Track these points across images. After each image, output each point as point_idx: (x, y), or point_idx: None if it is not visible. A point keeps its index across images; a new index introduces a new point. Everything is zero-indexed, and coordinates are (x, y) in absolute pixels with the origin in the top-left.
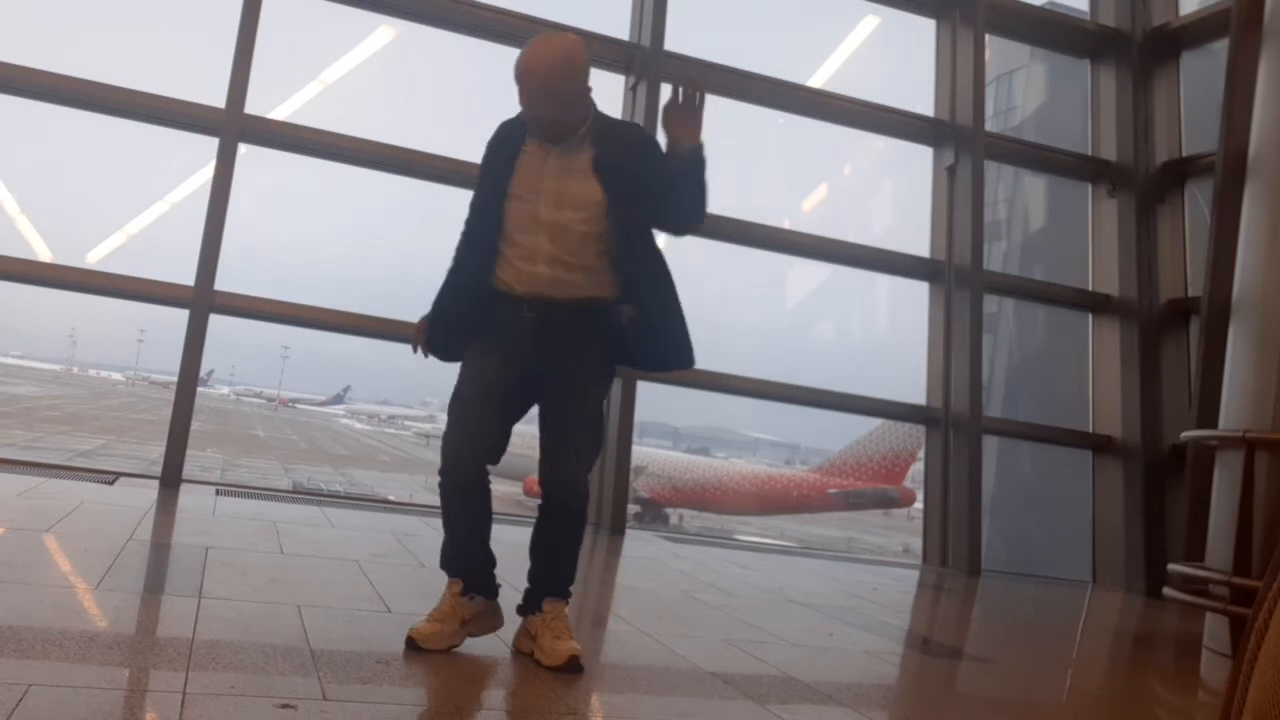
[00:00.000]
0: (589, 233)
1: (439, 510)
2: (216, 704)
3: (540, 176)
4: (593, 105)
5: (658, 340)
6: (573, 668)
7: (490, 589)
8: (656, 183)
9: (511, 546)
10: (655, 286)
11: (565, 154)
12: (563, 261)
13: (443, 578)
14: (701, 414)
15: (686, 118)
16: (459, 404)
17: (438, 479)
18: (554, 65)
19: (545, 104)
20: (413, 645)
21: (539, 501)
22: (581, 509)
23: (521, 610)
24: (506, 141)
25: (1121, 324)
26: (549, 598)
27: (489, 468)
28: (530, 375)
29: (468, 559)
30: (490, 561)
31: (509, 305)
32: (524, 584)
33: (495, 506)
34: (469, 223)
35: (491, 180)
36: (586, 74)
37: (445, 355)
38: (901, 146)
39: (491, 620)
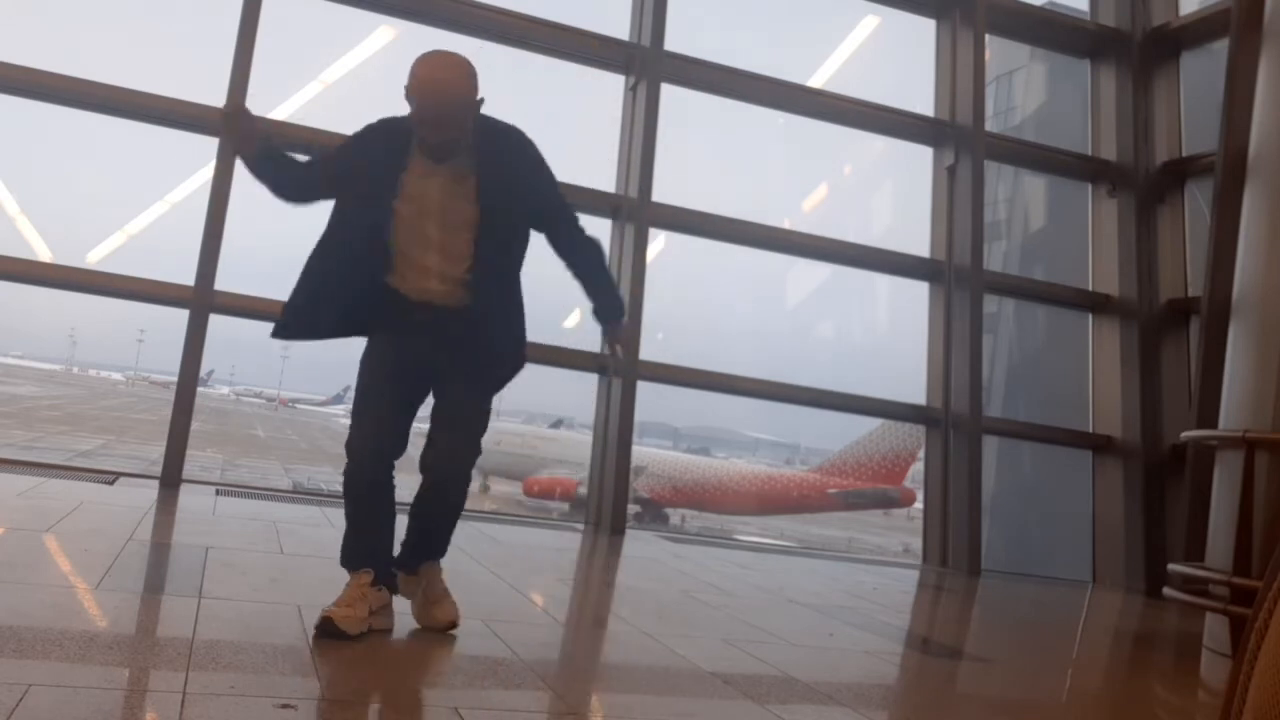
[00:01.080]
0: (470, 251)
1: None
2: (216, 704)
3: (426, 193)
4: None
5: (495, 339)
6: (447, 628)
7: (392, 583)
8: (536, 198)
9: (519, 548)
10: (503, 289)
11: (451, 170)
12: (452, 277)
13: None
14: (701, 414)
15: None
16: (364, 401)
17: (345, 475)
18: (464, 88)
19: (449, 125)
20: (331, 630)
21: (423, 481)
22: (461, 500)
23: (398, 566)
24: (395, 145)
25: (1121, 324)
26: (427, 562)
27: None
28: (423, 370)
29: (375, 552)
30: (390, 554)
31: (401, 306)
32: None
33: (496, 506)
34: (349, 215)
35: (375, 181)
36: (476, 91)
37: (309, 332)
38: (901, 146)
39: (389, 615)
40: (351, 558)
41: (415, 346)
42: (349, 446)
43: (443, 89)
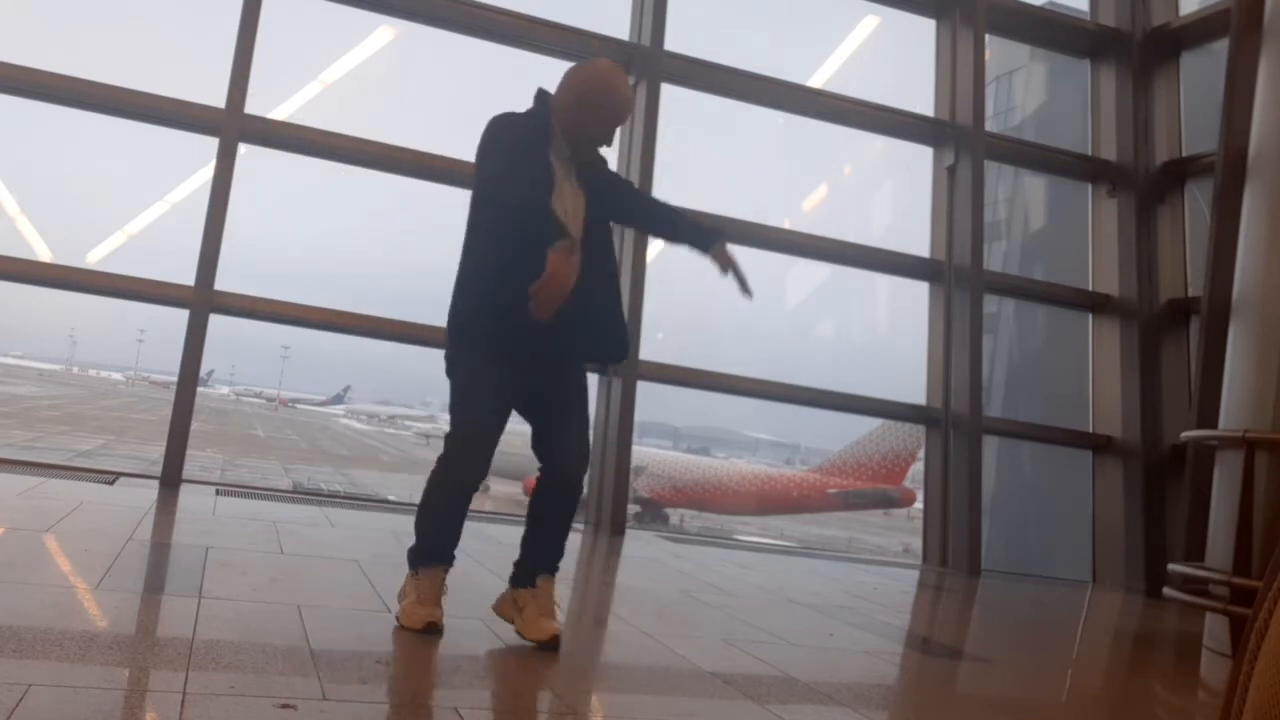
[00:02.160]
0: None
1: (429, 508)
2: (216, 704)
3: (564, 193)
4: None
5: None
6: (553, 646)
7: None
8: (632, 209)
9: (519, 548)
10: (608, 292)
11: (571, 173)
12: (580, 280)
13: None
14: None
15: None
16: (481, 409)
17: (446, 475)
18: (634, 104)
19: (612, 137)
20: (435, 630)
21: (541, 478)
22: (580, 494)
23: (514, 581)
24: (537, 142)
25: (1121, 324)
26: (544, 574)
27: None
28: (529, 379)
29: (457, 540)
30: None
31: (522, 314)
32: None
33: (496, 506)
34: (517, 222)
35: (541, 183)
36: None
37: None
38: (901, 146)
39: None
40: (432, 554)
41: (528, 351)
42: (462, 435)
43: (629, 97)
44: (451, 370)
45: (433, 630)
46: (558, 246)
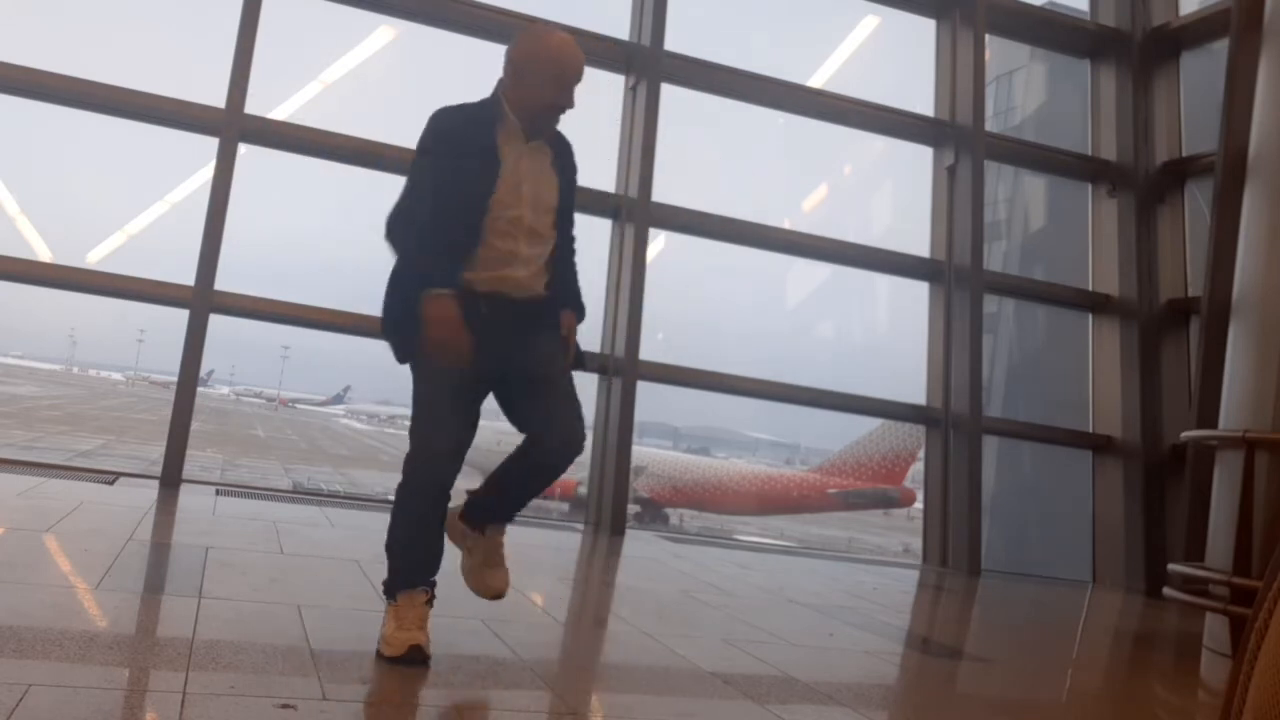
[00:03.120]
0: (551, 236)
1: (395, 519)
2: (216, 704)
3: (519, 178)
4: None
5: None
6: (498, 596)
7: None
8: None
9: (518, 548)
10: (573, 273)
11: (534, 154)
12: (535, 264)
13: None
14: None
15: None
16: (433, 409)
17: (408, 489)
18: (582, 59)
19: (570, 96)
20: (421, 656)
21: (527, 445)
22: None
23: (465, 515)
24: (475, 134)
25: (1121, 324)
26: (494, 524)
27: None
28: (485, 371)
29: (438, 561)
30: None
31: (466, 303)
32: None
33: None
34: (434, 215)
35: (465, 176)
36: None
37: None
38: (901, 146)
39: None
40: (414, 572)
41: (492, 341)
42: (426, 450)
43: (577, 56)
44: (412, 369)
45: (415, 655)
46: (433, 295)
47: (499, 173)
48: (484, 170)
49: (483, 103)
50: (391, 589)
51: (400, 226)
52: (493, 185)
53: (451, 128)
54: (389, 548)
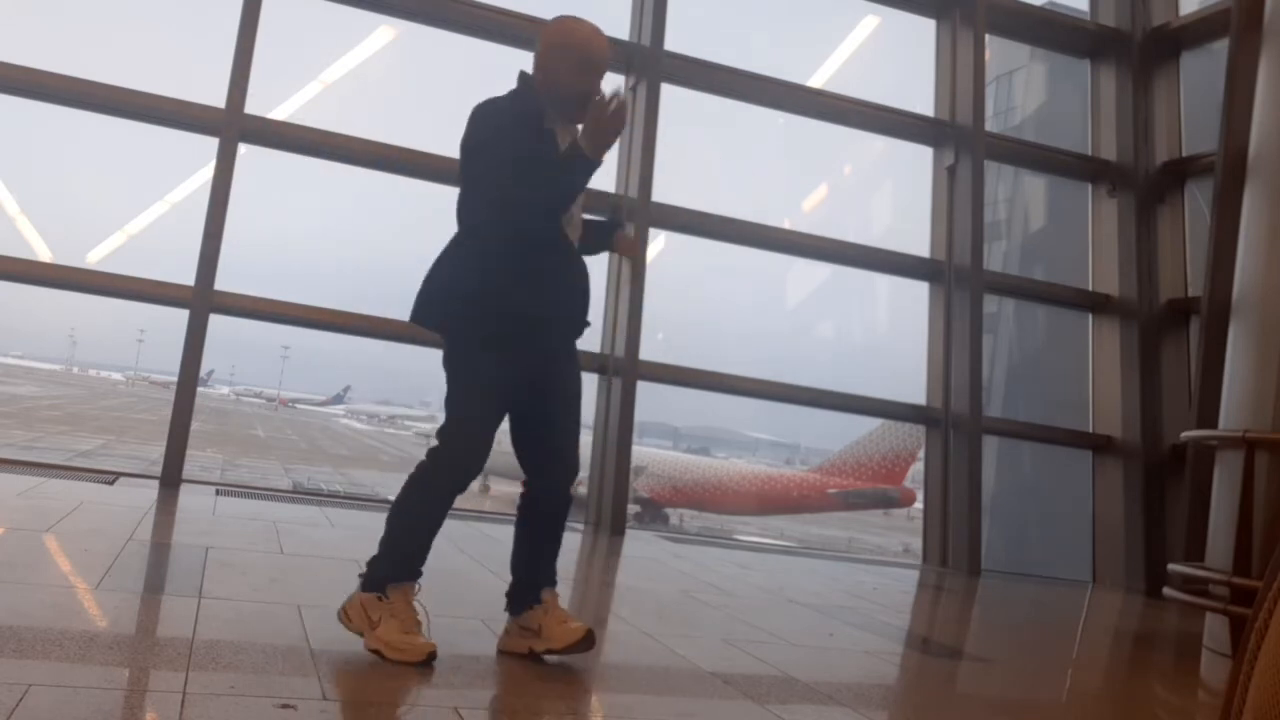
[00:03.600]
0: (580, 225)
1: (405, 513)
2: (216, 704)
3: None
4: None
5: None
6: (589, 641)
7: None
8: None
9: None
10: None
11: (574, 133)
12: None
13: (437, 577)
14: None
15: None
16: (483, 413)
17: (438, 480)
18: (608, 47)
19: (598, 82)
20: (434, 658)
21: (533, 496)
22: (571, 504)
23: (515, 609)
24: (538, 116)
25: (1121, 324)
26: (547, 588)
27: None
28: (546, 385)
29: (424, 555)
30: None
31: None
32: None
33: (496, 506)
34: (530, 193)
35: (551, 160)
36: None
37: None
38: (901, 146)
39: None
40: (404, 567)
41: (540, 358)
42: (464, 458)
43: (605, 43)
44: (456, 365)
45: (432, 658)
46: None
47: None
48: (550, 148)
49: (518, 95)
50: (382, 582)
51: (511, 198)
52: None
53: (525, 111)
54: (393, 540)
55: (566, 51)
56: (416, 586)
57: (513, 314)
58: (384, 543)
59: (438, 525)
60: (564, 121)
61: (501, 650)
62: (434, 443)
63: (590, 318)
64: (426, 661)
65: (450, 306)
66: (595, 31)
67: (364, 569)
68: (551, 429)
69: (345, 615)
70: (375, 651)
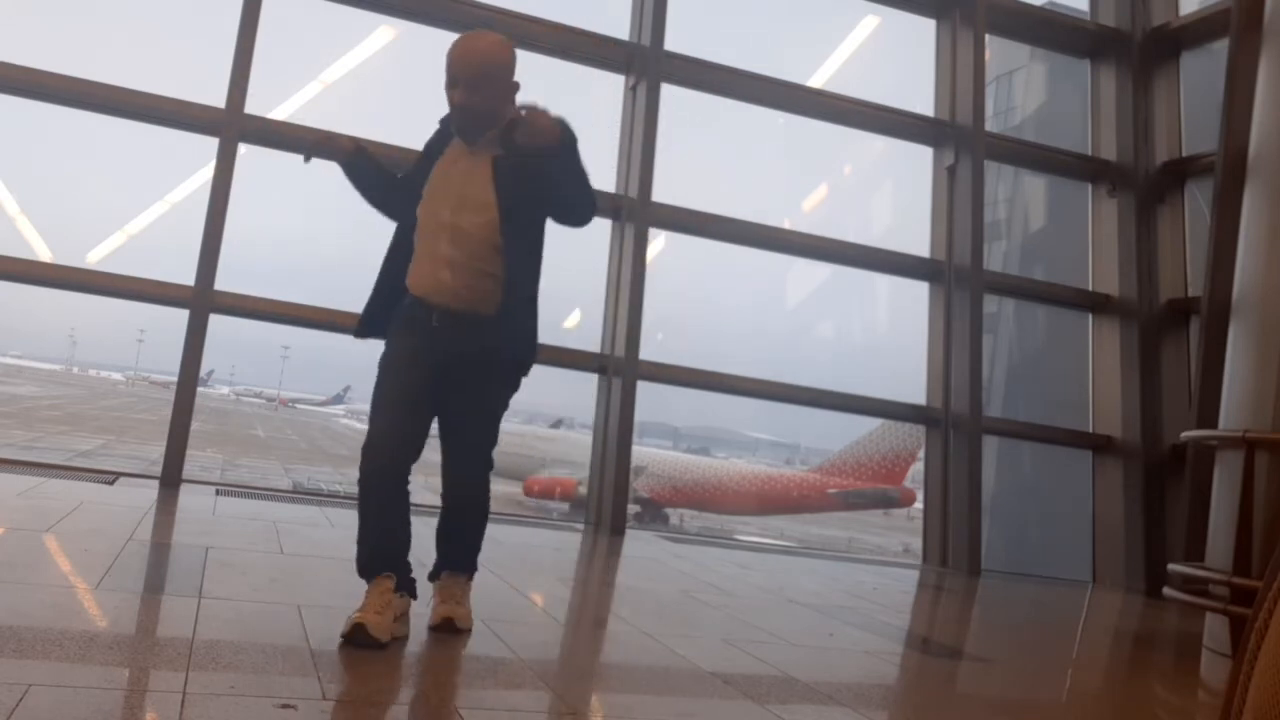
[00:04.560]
0: (487, 238)
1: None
2: (216, 704)
3: (449, 178)
4: (514, 107)
5: (506, 339)
6: (446, 628)
7: (412, 589)
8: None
9: (519, 548)
10: (523, 285)
11: (475, 155)
12: (464, 266)
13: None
14: (701, 414)
15: (536, 127)
16: (383, 403)
17: (360, 479)
18: (498, 56)
19: (479, 89)
20: (363, 639)
21: (442, 495)
22: (484, 503)
23: (430, 578)
24: (443, 137)
25: (1121, 324)
26: (447, 570)
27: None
28: (436, 379)
29: (393, 556)
30: (407, 561)
31: (420, 310)
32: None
33: (496, 506)
34: (397, 227)
35: (421, 174)
36: (513, 69)
37: (370, 330)
38: (901, 146)
39: (407, 623)
40: (371, 564)
41: (424, 348)
42: (365, 449)
43: (473, 49)
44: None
45: (356, 634)
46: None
47: (433, 168)
48: (427, 167)
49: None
50: (360, 570)
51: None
52: (425, 181)
53: (433, 138)
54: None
55: (449, 71)
56: (393, 578)
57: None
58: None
59: (380, 519)
60: (467, 137)
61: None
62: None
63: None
64: (351, 637)
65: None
66: (460, 40)
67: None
68: (445, 438)
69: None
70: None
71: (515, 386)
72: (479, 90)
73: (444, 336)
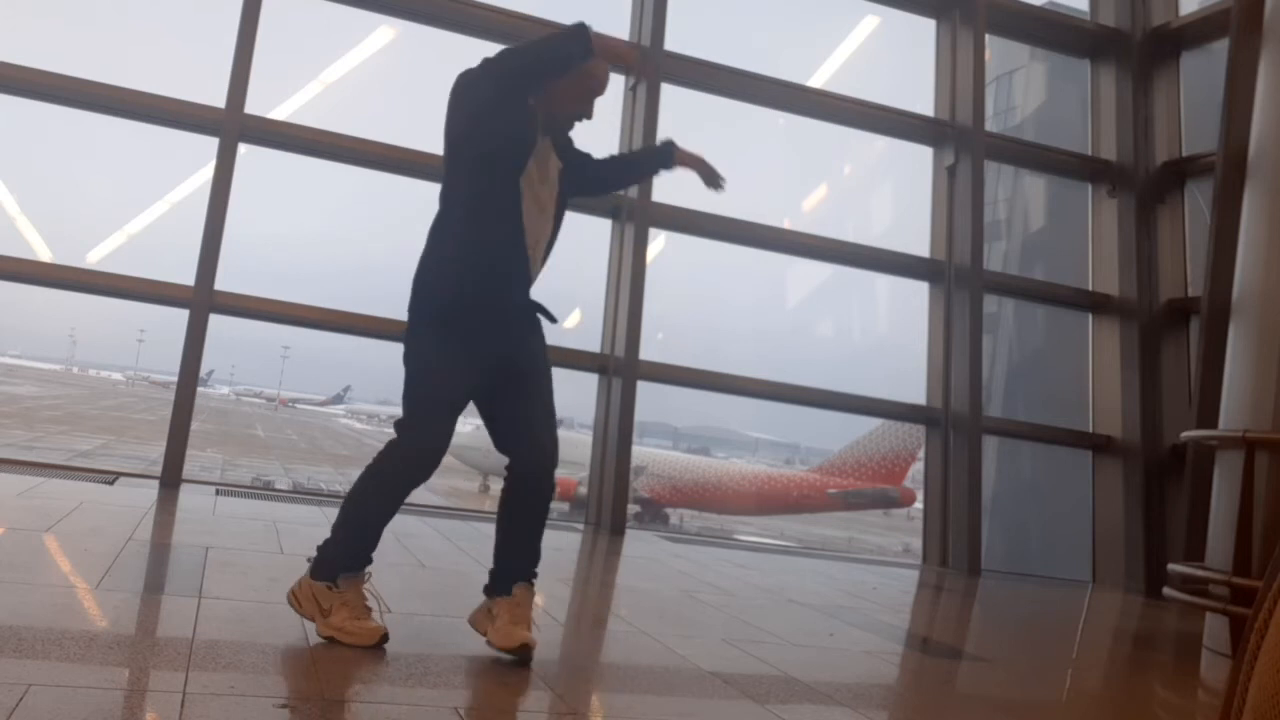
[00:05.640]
0: (547, 236)
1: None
2: (216, 704)
3: (545, 180)
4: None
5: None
6: (522, 656)
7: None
8: (600, 168)
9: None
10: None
11: (552, 157)
12: (541, 258)
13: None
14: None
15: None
16: (439, 405)
17: (396, 473)
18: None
19: (590, 105)
20: (385, 639)
21: (511, 484)
22: (553, 493)
23: (489, 591)
24: (526, 119)
25: (1121, 324)
26: (520, 582)
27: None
28: (512, 371)
29: (375, 545)
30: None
31: (504, 304)
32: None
33: (494, 507)
34: (500, 152)
35: (513, 151)
36: None
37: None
38: (901, 146)
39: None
40: (353, 558)
41: (505, 343)
42: (416, 447)
43: (601, 68)
44: (414, 355)
45: (384, 640)
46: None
47: (532, 146)
48: (526, 146)
49: None
50: (332, 571)
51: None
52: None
53: (519, 104)
54: (348, 529)
55: (577, 80)
56: (367, 574)
57: (452, 293)
58: (341, 534)
59: (390, 518)
60: (547, 126)
61: (469, 622)
62: (392, 436)
63: (539, 300)
64: (379, 644)
65: (420, 285)
66: (601, 64)
67: (314, 556)
68: (520, 416)
69: (295, 599)
70: (329, 638)
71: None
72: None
73: (529, 324)
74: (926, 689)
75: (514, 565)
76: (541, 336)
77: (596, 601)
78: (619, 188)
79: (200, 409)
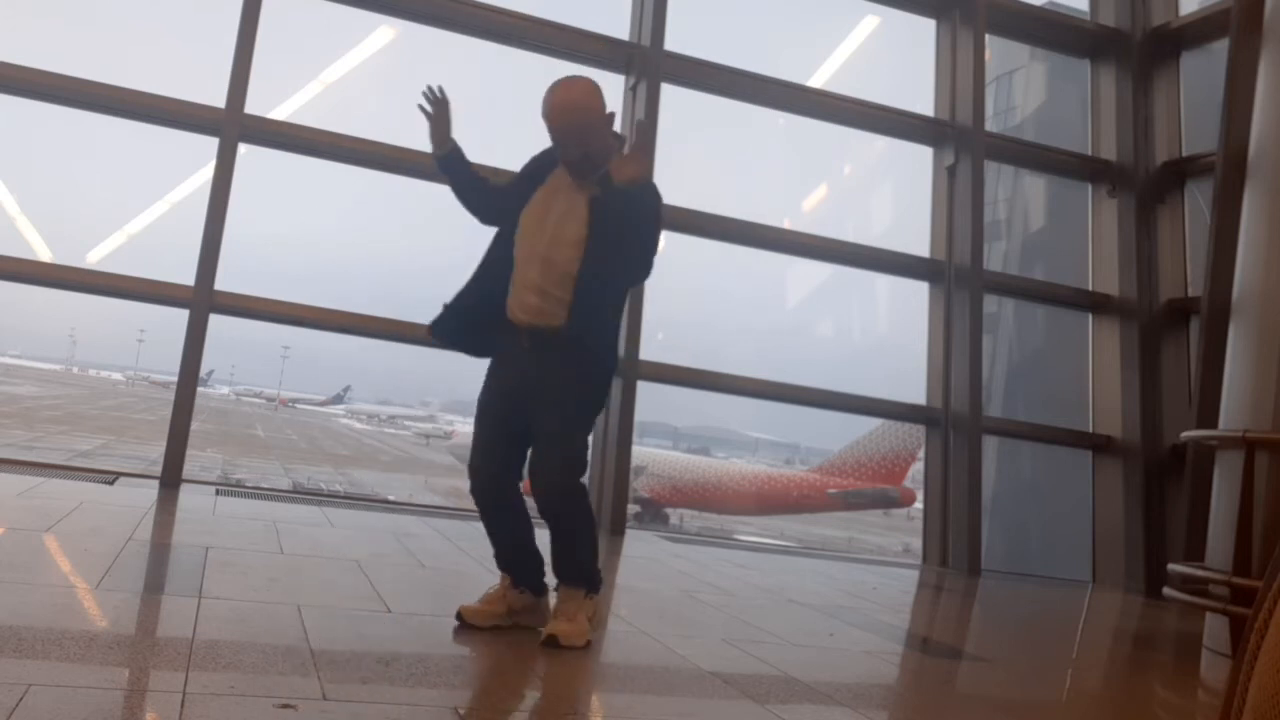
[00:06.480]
0: (569, 270)
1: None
2: (216, 704)
3: (549, 210)
4: (616, 147)
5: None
6: (549, 644)
7: (537, 586)
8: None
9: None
10: (598, 314)
11: (576, 191)
12: (547, 293)
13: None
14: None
15: (628, 167)
16: (477, 424)
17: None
18: (579, 101)
19: (572, 137)
20: (459, 619)
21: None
22: (571, 523)
23: (515, 578)
24: (542, 168)
25: (1121, 324)
26: (560, 583)
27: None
28: (526, 396)
29: (510, 560)
30: (535, 561)
31: (511, 333)
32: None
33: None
34: (495, 237)
35: (513, 202)
36: (604, 106)
37: (453, 344)
38: (901, 146)
39: (539, 615)
40: (497, 563)
41: (512, 370)
42: (469, 470)
43: (564, 106)
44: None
45: (458, 619)
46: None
47: (531, 199)
48: (524, 196)
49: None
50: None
51: None
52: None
53: (530, 165)
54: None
55: (546, 122)
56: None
57: (459, 318)
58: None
59: (501, 533)
60: (579, 179)
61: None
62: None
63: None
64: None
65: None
66: (547, 97)
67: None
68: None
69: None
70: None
71: (589, 380)
72: (583, 140)
73: (536, 352)
74: (926, 689)
75: (531, 573)
76: (562, 368)
77: (596, 601)
78: (624, 229)
79: (200, 409)
